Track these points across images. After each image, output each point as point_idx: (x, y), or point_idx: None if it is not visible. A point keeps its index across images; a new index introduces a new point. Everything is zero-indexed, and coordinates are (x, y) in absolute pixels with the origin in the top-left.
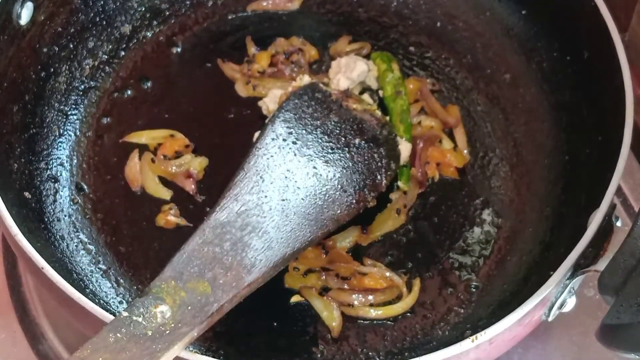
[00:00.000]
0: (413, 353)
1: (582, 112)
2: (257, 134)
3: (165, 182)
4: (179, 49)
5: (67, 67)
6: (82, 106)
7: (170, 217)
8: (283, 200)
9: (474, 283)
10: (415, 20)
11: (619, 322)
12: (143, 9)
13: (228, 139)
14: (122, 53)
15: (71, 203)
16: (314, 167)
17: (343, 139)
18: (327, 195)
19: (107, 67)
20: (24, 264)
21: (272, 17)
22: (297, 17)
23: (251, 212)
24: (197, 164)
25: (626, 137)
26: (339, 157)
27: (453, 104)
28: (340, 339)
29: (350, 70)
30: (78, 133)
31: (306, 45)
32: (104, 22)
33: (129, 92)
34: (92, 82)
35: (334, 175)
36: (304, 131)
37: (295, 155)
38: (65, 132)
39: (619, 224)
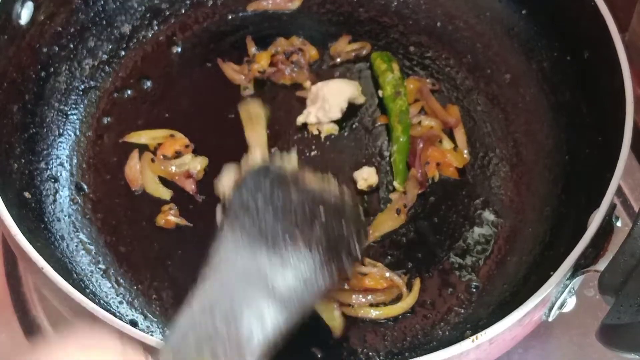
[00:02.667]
0: (413, 353)
1: (582, 112)
2: (218, 212)
3: (165, 182)
4: (179, 49)
5: (67, 67)
6: (82, 106)
7: (170, 217)
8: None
9: (474, 283)
10: (415, 20)
11: (619, 322)
12: (143, 8)
13: (228, 139)
14: (122, 53)
15: (71, 203)
16: (286, 243)
17: (308, 214)
18: (306, 268)
19: (107, 67)
20: (24, 264)
21: (272, 17)
22: (297, 17)
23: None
24: (197, 164)
25: (626, 137)
26: (309, 231)
27: (453, 104)
28: (340, 339)
29: (329, 103)
30: (78, 133)
31: (306, 45)
32: (104, 22)
33: (129, 92)
34: (92, 82)
35: (309, 250)
36: (268, 210)
37: (262, 232)
38: (65, 132)
39: (619, 224)
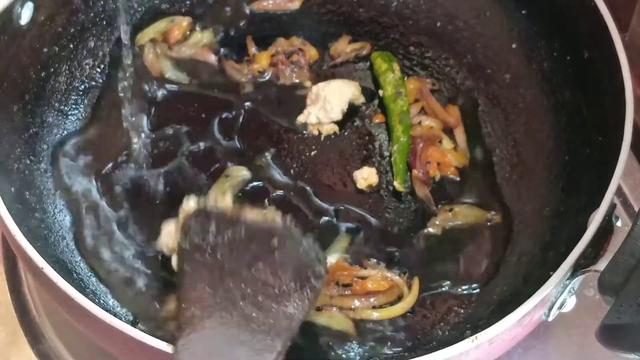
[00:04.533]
0: (413, 353)
1: (582, 112)
2: (174, 259)
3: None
4: None
5: (67, 67)
6: (82, 106)
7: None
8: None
9: (474, 283)
10: (415, 20)
11: (619, 322)
12: (143, 9)
13: (228, 139)
14: None
15: None
16: (251, 273)
17: (262, 245)
18: (280, 291)
19: (107, 67)
20: (24, 264)
21: (272, 17)
22: (297, 17)
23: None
24: (205, 37)
25: (626, 137)
26: (270, 260)
27: (453, 104)
28: (339, 339)
29: (330, 104)
30: None
31: (306, 45)
32: (104, 22)
33: None
34: (92, 82)
35: (274, 274)
36: (222, 246)
37: (225, 265)
38: (66, 132)
39: (619, 224)
